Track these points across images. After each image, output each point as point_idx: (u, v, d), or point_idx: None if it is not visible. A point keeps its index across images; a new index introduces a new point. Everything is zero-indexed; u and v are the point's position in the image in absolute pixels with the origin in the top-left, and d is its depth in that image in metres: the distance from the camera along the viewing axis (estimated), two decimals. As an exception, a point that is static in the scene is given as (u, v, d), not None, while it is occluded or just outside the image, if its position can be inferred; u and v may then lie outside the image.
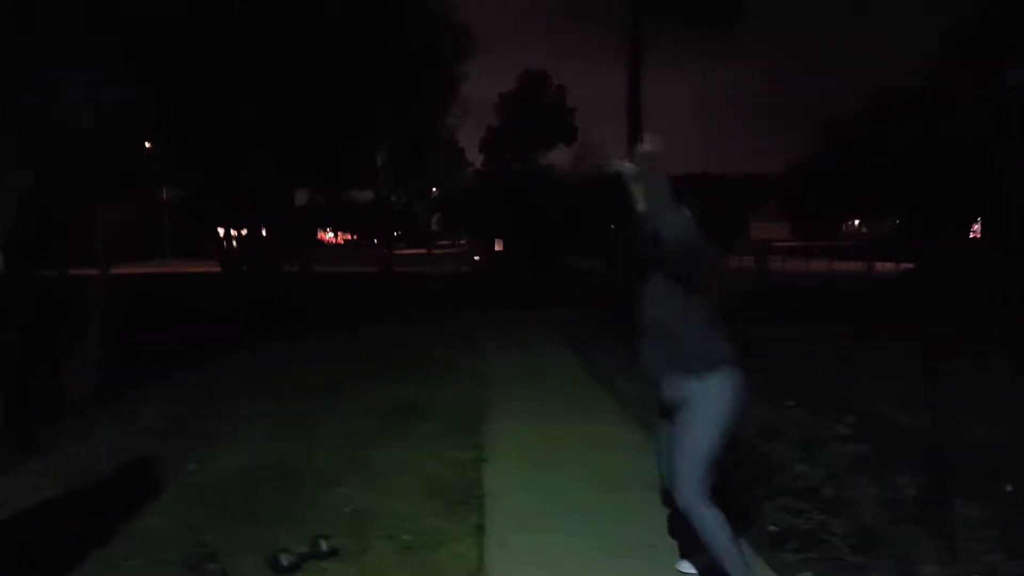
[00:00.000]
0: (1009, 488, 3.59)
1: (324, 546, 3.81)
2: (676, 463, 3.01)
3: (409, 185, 35.26)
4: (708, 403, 2.97)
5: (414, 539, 3.97)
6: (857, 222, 58.49)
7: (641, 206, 3.01)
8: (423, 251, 60.76)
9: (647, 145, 2.95)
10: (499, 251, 34.69)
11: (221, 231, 24.74)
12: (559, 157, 41.02)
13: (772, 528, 3.64)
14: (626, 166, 3.04)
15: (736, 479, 3.53)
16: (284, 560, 3.65)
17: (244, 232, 21.47)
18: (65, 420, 7.13)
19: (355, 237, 72.35)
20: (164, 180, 21.31)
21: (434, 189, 45.57)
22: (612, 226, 24.55)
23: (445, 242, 72.37)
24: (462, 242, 62.27)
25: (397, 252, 39.65)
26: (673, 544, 3.65)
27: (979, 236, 36.76)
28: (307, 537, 3.91)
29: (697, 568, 3.28)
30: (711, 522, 2.96)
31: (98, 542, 3.99)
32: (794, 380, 7.29)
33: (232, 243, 21.51)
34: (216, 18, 13.20)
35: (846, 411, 5.18)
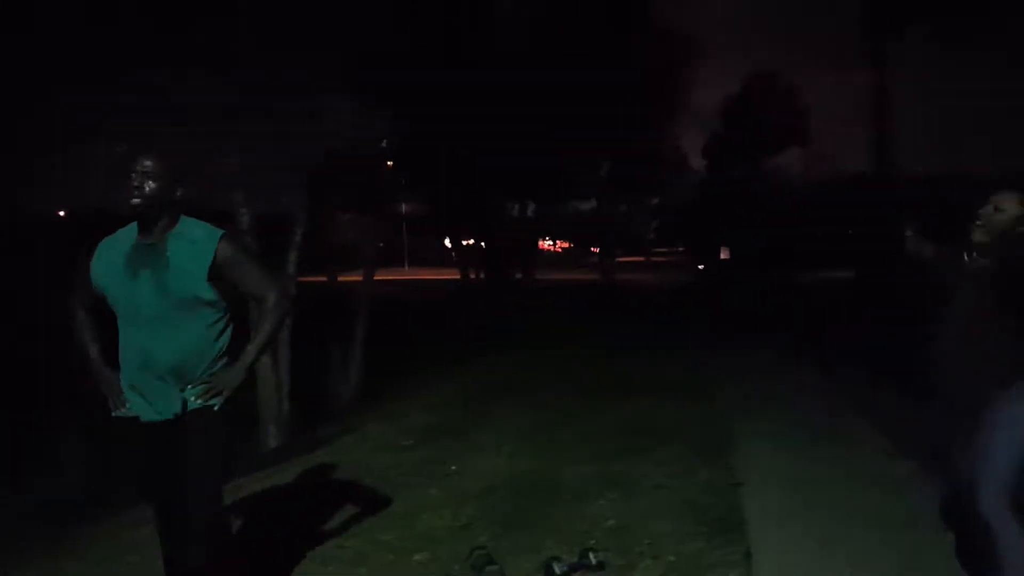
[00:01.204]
0: None
1: (593, 559, 3.91)
2: (976, 464, 2.71)
3: (631, 194, 35.24)
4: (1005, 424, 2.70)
5: (679, 561, 3.96)
6: None
7: (981, 236, 3.01)
8: (640, 259, 60.42)
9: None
10: (724, 259, 33.68)
11: (448, 242, 26.27)
12: (790, 161, 38.94)
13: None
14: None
15: None
16: (557, 568, 3.80)
17: (471, 242, 22.67)
18: (335, 419, 7.96)
19: (572, 245, 73.37)
20: (403, 196, 22.97)
21: (654, 198, 45.18)
22: (850, 232, 22.93)
23: (663, 250, 71.29)
24: (680, 250, 61.06)
25: (618, 260, 39.82)
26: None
27: None
28: (573, 547, 4.05)
29: None
30: (1012, 537, 2.56)
31: (386, 532, 4.41)
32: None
33: (464, 254, 22.74)
34: (454, 53, 13.98)
35: None
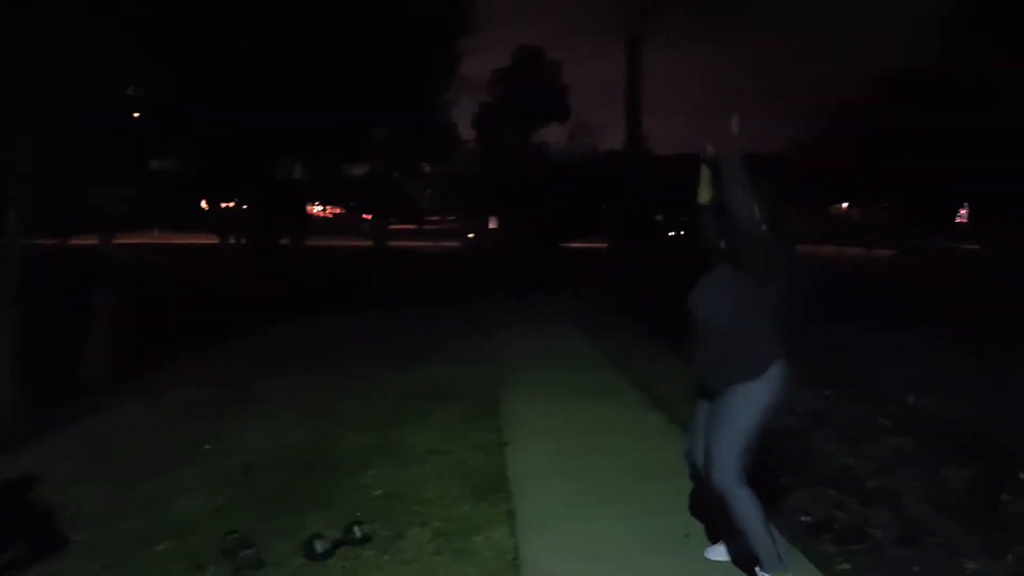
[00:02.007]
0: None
1: (358, 532, 3.80)
2: (712, 446, 3.04)
3: (403, 160, 34.91)
4: (750, 394, 2.99)
5: (446, 525, 3.96)
6: (845, 205, 58.74)
7: (705, 196, 3.05)
8: (413, 227, 60.30)
9: (734, 127, 2.91)
10: (493, 228, 34.54)
11: (205, 203, 24.48)
12: (553, 135, 40.90)
13: (806, 518, 3.66)
14: (709, 150, 3.04)
15: (776, 469, 3.54)
16: (318, 546, 3.64)
17: (233, 205, 21.28)
18: (83, 396, 7.08)
19: (344, 211, 71.61)
20: (155, 153, 20.97)
21: (425, 164, 45.19)
22: (606, 206, 24.40)
23: (435, 218, 71.68)
24: (451, 218, 61.78)
25: (391, 227, 39.32)
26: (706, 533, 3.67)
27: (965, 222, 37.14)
28: (340, 522, 3.90)
29: (731, 554, 3.32)
30: (744, 504, 3.00)
31: (128, 521, 3.97)
32: (830, 369, 7.19)
33: (224, 217, 21.31)
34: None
35: (884, 401, 5.12)
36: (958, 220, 38.63)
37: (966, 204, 33.96)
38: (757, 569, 3.04)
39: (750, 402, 2.99)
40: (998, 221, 23.87)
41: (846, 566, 3.35)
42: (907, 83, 27.97)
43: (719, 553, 3.41)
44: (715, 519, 3.29)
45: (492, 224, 35.14)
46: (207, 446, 5.30)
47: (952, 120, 23.15)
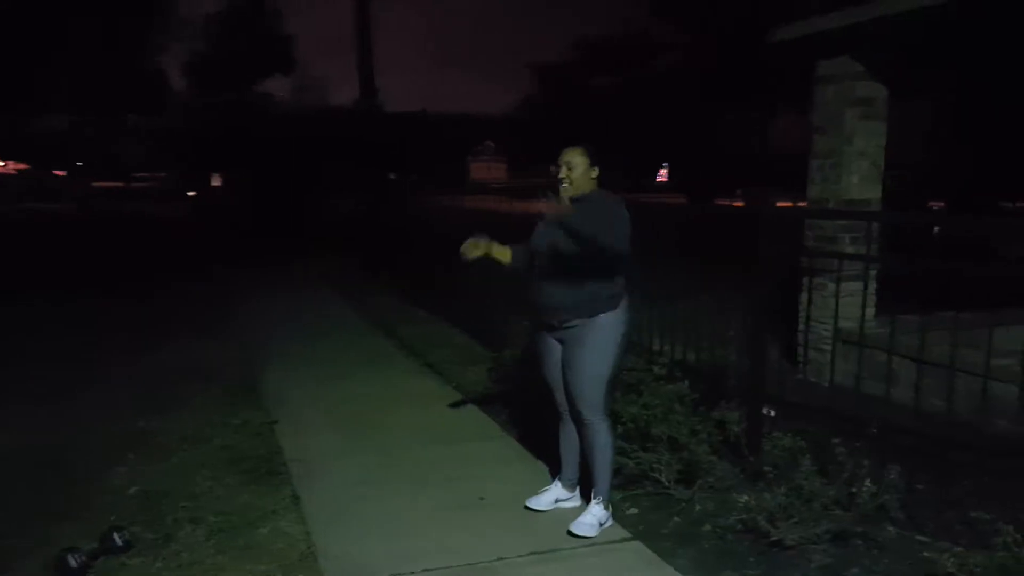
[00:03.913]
0: (770, 412, 4.09)
1: (117, 539, 3.32)
2: (580, 381, 3.28)
3: (102, 109, 30.95)
4: (607, 334, 3.26)
5: (224, 520, 3.59)
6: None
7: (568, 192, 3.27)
8: (119, 184, 54.25)
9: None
10: (217, 186, 32.01)
11: None
12: (276, 87, 38.48)
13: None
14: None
15: (552, 422, 3.65)
16: (72, 560, 3.13)
17: None
18: None
19: (30, 167, 62.53)
20: None
21: (130, 116, 40.60)
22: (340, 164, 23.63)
23: (143, 175, 64.90)
24: (162, 175, 56.27)
25: (93, 185, 34.86)
26: (502, 496, 3.71)
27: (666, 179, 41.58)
28: (94, 530, 3.39)
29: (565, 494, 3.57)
30: (606, 436, 3.32)
31: None
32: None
33: None
34: None
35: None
36: (659, 179, 43.10)
37: (666, 164, 38.00)
38: (597, 500, 3.32)
39: (612, 333, 3.25)
40: (692, 178, 27.00)
41: (634, 510, 3.57)
42: (605, 48, 30.15)
43: (542, 503, 3.55)
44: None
45: (216, 182, 32.57)
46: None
47: (652, 85, 25.56)
